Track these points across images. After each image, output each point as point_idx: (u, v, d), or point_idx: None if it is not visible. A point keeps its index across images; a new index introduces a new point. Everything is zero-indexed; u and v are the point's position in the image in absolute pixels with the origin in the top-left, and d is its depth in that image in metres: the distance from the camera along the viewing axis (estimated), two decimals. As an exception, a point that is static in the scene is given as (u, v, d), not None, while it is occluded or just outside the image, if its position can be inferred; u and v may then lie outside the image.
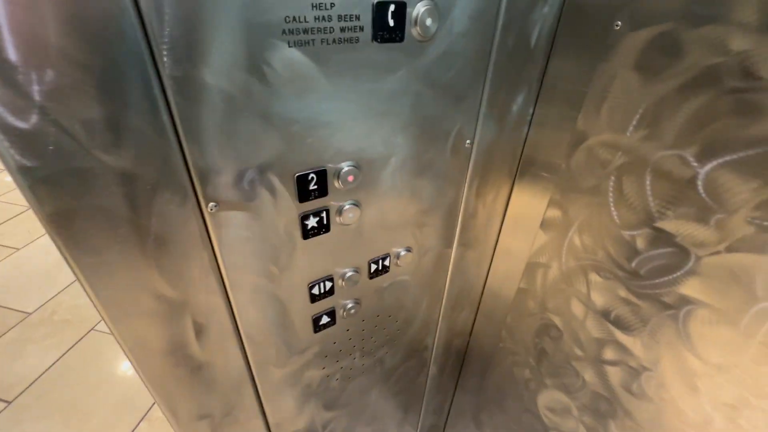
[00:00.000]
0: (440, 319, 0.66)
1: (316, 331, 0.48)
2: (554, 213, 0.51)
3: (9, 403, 1.20)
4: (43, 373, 1.30)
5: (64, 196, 0.26)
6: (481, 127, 0.45)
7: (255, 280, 0.38)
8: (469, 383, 0.83)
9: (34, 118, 0.24)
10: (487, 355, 0.73)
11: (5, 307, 1.51)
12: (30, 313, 1.49)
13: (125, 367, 1.33)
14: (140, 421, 1.18)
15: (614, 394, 0.50)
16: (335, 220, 0.40)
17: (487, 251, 0.61)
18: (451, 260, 0.57)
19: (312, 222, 0.38)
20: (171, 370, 0.39)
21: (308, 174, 0.35)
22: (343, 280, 0.46)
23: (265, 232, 0.36)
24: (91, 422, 1.18)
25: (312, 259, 0.41)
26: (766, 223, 0.32)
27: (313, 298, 0.45)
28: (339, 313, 0.49)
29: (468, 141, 0.45)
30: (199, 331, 0.38)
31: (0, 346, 1.37)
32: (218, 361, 0.42)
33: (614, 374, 0.49)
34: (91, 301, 0.31)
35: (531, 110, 0.48)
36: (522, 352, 0.64)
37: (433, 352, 0.72)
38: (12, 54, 0.22)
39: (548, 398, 0.63)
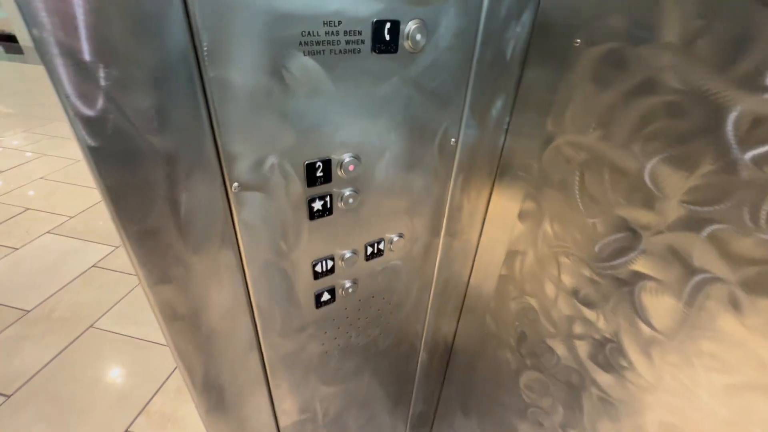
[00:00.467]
0: (429, 306, 0.72)
1: (317, 307, 0.54)
2: (529, 205, 0.57)
3: (8, 397, 1.23)
4: (42, 368, 1.32)
5: (120, 172, 0.32)
6: (464, 128, 0.52)
7: (267, 255, 0.44)
8: (457, 370, 0.88)
9: (100, 107, 0.30)
10: (473, 341, 0.79)
11: (4, 305, 1.53)
12: (29, 311, 1.51)
13: (123, 363, 1.36)
14: (138, 416, 1.21)
15: (583, 366, 0.57)
16: (337, 204, 0.46)
17: (472, 241, 0.67)
18: (439, 249, 0.64)
19: (317, 205, 0.44)
20: (191, 335, 0.44)
21: (316, 162, 0.41)
22: (342, 261, 0.52)
23: (277, 211, 0.42)
24: (89, 416, 1.20)
25: (316, 238, 0.47)
26: (691, 206, 0.39)
27: (316, 275, 0.50)
28: (338, 292, 0.55)
29: (453, 140, 0.52)
30: (217, 299, 0.44)
31: (-1, 342, 1.39)
32: (232, 329, 0.47)
33: (582, 347, 0.56)
34: (132, 264, 0.37)
35: (509, 115, 0.55)
36: (504, 335, 0.70)
37: (423, 339, 0.78)
38: (87, 56, 0.28)
39: (528, 378, 0.69)
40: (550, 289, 0.58)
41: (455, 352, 0.87)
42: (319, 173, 0.42)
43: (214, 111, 0.33)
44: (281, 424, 0.64)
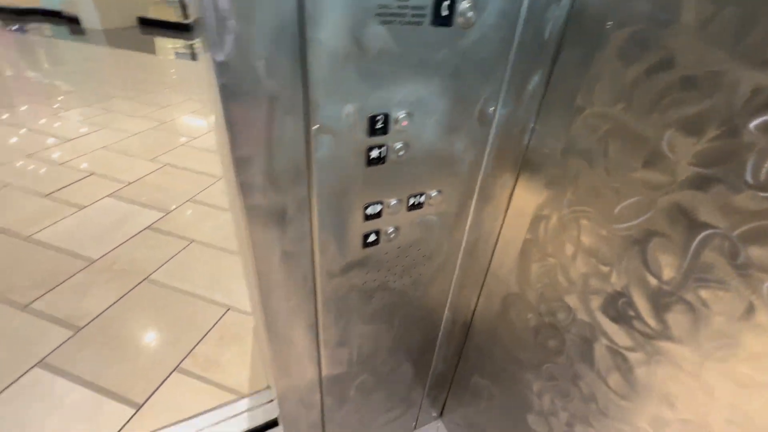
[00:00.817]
0: (458, 266, 0.80)
1: (364, 247, 0.63)
2: (556, 172, 0.64)
3: (79, 329, 1.41)
4: (105, 310, 1.50)
5: (237, 105, 0.42)
6: (502, 99, 0.59)
7: (330, 190, 0.54)
8: (477, 335, 0.96)
9: (227, 52, 0.40)
10: (496, 304, 0.86)
11: (75, 253, 1.73)
12: (95, 260, 1.70)
13: (173, 312, 1.52)
14: (185, 357, 1.36)
15: (595, 319, 0.63)
16: (390, 156, 0.55)
17: (501, 206, 0.74)
18: (471, 211, 0.71)
19: (374, 153, 0.53)
20: (269, 255, 0.54)
21: (377, 115, 0.50)
22: (388, 207, 0.60)
23: (344, 154, 0.51)
24: (144, 353, 1.36)
25: (370, 184, 0.56)
26: (696, 168, 0.45)
27: (366, 218, 0.60)
28: (382, 236, 0.64)
29: (492, 109, 0.59)
30: (290, 225, 0.54)
31: (71, 284, 1.59)
32: (297, 255, 0.57)
33: (595, 301, 0.62)
34: (230, 187, 0.47)
35: (543, 89, 0.62)
36: (526, 295, 0.77)
37: (449, 299, 0.86)
38: (223, 11, 0.38)
39: (545, 335, 0.76)
40: (569, 250, 0.65)
41: (476, 319, 0.94)
42: (378, 126, 0.51)
43: (308, 64, 0.43)
44: (322, 351, 0.74)
